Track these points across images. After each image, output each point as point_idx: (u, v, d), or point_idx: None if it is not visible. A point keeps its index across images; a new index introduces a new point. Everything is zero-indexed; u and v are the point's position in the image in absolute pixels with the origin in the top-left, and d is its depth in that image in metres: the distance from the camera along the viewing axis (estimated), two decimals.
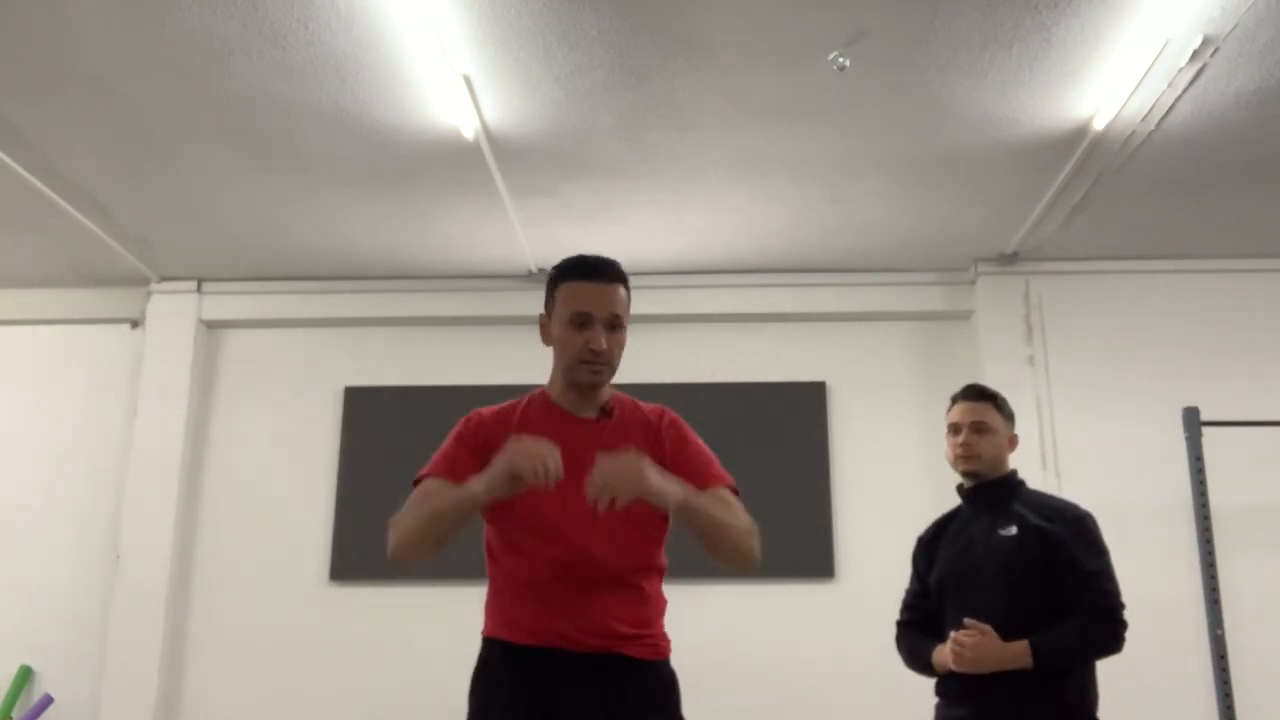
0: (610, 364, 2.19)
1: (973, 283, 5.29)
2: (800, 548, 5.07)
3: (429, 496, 2.11)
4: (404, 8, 3.28)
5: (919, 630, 2.96)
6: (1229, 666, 4.47)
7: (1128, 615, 2.79)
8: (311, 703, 4.99)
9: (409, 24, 3.36)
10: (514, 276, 5.39)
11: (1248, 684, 4.58)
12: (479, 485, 2.02)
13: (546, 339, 2.25)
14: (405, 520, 2.08)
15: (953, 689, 2.82)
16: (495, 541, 2.22)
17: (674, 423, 2.29)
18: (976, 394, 2.97)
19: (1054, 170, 4.32)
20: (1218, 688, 4.48)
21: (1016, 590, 2.74)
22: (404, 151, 4.17)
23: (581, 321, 2.16)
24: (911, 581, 3.06)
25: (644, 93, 3.77)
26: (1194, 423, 4.68)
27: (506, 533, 2.19)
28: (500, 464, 1.99)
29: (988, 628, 2.69)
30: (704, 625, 5.00)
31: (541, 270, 5.32)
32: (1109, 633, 2.76)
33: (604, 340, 2.16)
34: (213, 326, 5.50)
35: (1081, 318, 5.20)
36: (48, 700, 4.95)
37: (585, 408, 2.23)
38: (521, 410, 2.24)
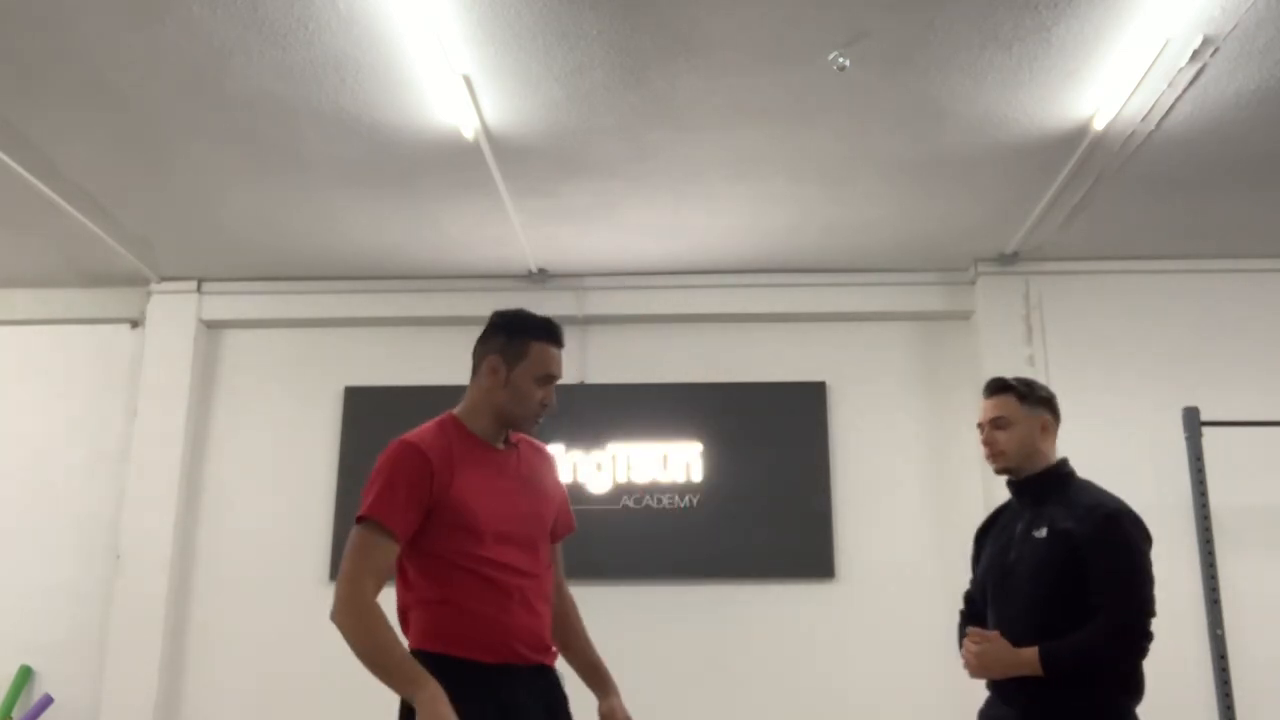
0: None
1: (973, 283, 5.29)
2: (800, 548, 5.07)
3: (386, 558, 2.31)
4: (404, 8, 3.28)
5: (972, 621, 2.91)
6: (1229, 666, 4.47)
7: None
8: (311, 703, 4.99)
9: (409, 24, 3.36)
10: (514, 276, 5.39)
11: (1248, 684, 4.58)
12: (413, 698, 2.17)
13: (496, 380, 2.47)
14: (369, 641, 2.21)
15: (997, 685, 2.76)
16: (438, 560, 2.37)
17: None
18: (993, 388, 2.90)
19: (1054, 170, 4.32)
20: (1218, 688, 4.48)
21: (1044, 596, 2.66)
22: (404, 151, 4.17)
23: (547, 381, 2.48)
24: (972, 570, 3.02)
25: (644, 93, 3.77)
26: (1194, 423, 4.68)
27: (457, 551, 2.37)
28: (420, 704, 2.15)
29: (994, 634, 2.68)
30: (704, 625, 5.00)
31: (542, 270, 5.33)
32: (1122, 641, 2.59)
33: (553, 398, 2.51)
34: (213, 326, 5.50)
35: (1081, 318, 5.20)
36: (48, 700, 4.95)
37: (499, 441, 2.52)
38: (452, 445, 2.42)
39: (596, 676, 2.62)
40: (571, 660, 2.64)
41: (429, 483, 2.35)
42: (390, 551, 2.31)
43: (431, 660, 2.30)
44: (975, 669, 2.70)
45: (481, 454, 2.46)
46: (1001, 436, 2.84)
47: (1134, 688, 2.64)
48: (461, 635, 2.33)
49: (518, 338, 2.50)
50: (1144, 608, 2.61)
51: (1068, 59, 3.57)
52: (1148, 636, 2.60)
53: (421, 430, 2.46)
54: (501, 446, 2.52)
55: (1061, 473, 2.85)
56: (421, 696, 2.15)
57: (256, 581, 5.17)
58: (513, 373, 2.47)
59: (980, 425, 2.88)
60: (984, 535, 2.98)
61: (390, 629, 2.25)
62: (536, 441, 2.65)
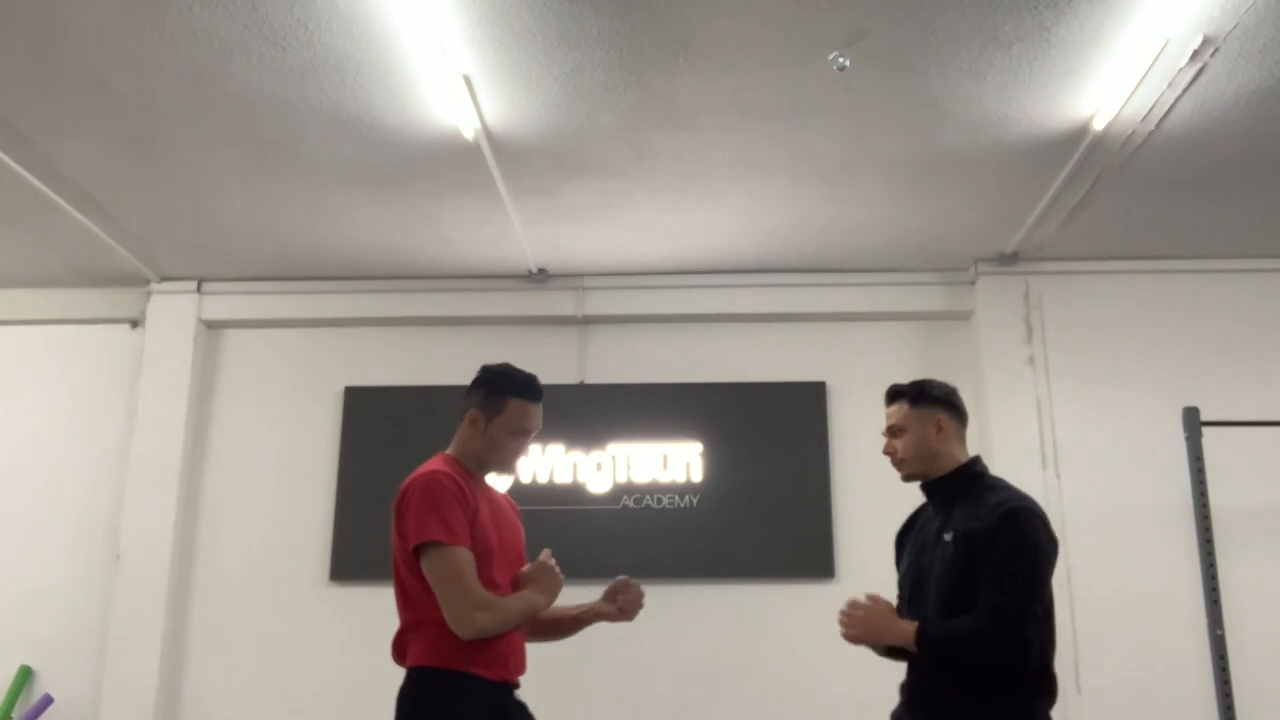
0: None
1: (973, 283, 5.29)
2: (800, 548, 5.07)
3: (472, 568, 2.52)
4: (404, 8, 3.28)
5: None
6: (1229, 666, 4.47)
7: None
8: (311, 702, 5.00)
9: (409, 24, 3.36)
10: (514, 276, 5.39)
11: (1248, 684, 4.58)
12: (537, 601, 2.63)
13: (475, 431, 2.69)
14: (507, 614, 2.54)
15: (911, 690, 2.71)
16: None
17: None
18: (887, 396, 2.84)
19: (1054, 170, 4.32)
20: (1218, 688, 4.48)
21: (951, 598, 2.58)
22: (404, 151, 4.17)
23: (522, 435, 2.70)
24: (897, 573, 2.98)
25: (644, 93, 3.77)
26: (1194, 423, 4.68)
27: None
28: (546, 592, 2.65)
29: (878, 597, 2.66)
30: (703, 626, 5.00)
31: (542, 270, 5.33)
32: (997, 634, 2.47)
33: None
34: (213, 326, 5.50)
35: (1081, 318, 5.20)
36: (48, 700, 4.95)
37: (484, 478, 2.76)
38: (465, 478, 2.64)
39: (573, 613, 2.87)
40: (562, 629, 2.89)
41: (465, 504, 2.55)
42: (469, 558, 2.50)
43: (437, 676, 2.45)
44: (852, 633, 2.66)
45: (483, 491, 2.69)
46: (898, 444, 2.78)
47: (1048, 690, 2.58)
48: (466, 653, 2.48)
49: (496, 394, 2.70)
50: (1026, 605, 2.50)
51: (1068, 59, 3.57)
52: (1027, 635, 2.48)
53: (433, 466, 2.64)
54: (486, 483, 2.77)
55: (970, 472, 2.74)
56: (534, 600, 2.60)
57: (256, 581, 5.17)
58: (490, 425, 2.68)
59: (883, 435, 2.84)
60: (904, 538, 2.91)
61: (504, 600, 2.55)
62: (499, 492, 2.89)
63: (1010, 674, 2.52)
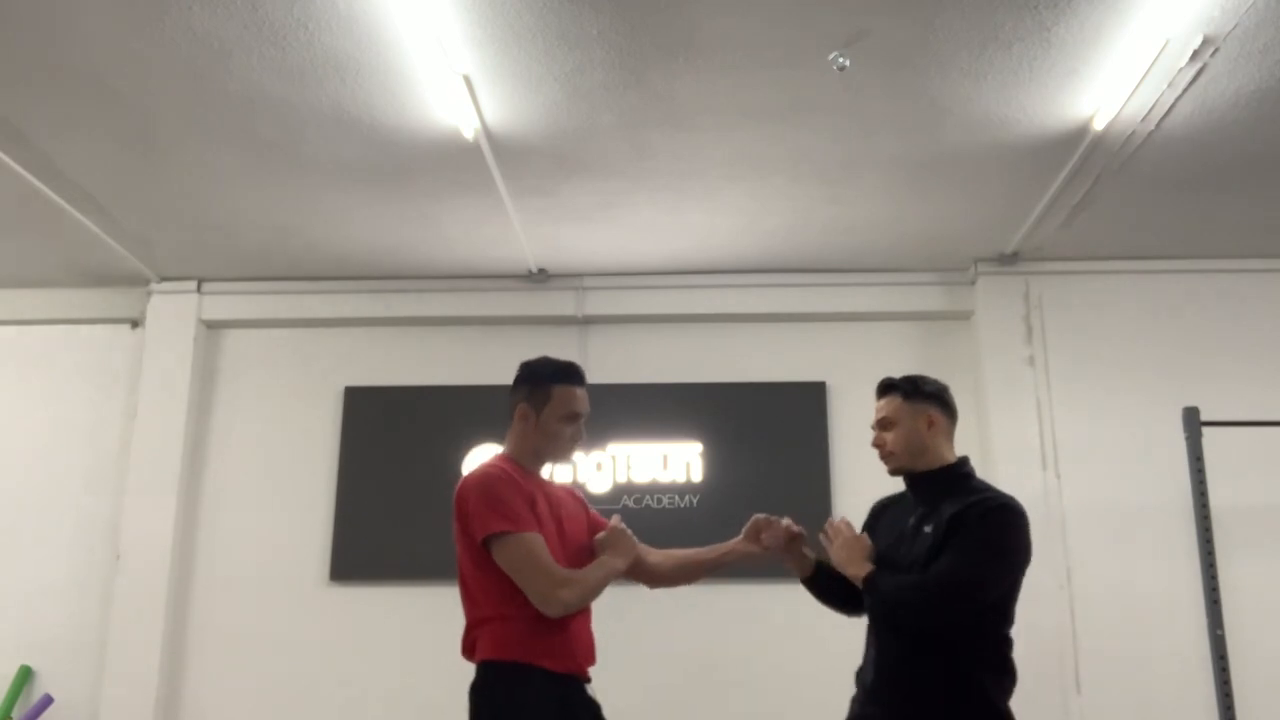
0: None
1: (973, 283, 5.29)
2: None
3: (546, 549, 2.58)
4: (404, 8, 3.28)
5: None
6: (1229, 666, 4.46)
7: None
8: (311, 703, 4.99)
9: (409, 24, 3.36)
10: (514, 276, 5.39)
11: (1248, 684, 4.58)
12: (614, 565, 2.72)
13: (528, 425, 2.75)
14: (588, 584, 2.63)
15: (866, 685, 2.75)
16: (506, 579, 2.58)
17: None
18: (880, 389, 2.88)
19: (1054, 170, 4.32)
20: (1218, 688, 4.48)
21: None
22: (404, 151, 4.17)
23: (573, 419, 2.75)
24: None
25: (644, 93, 3.77)
26: (1194, 423, 4.68)
27: None
28: (622, 555, 2.75)
29: (866, 538, 2.78)
30: (703, 625, 5.00)
31: (542, 270, 5.33)
32: (940, 596, 2.52)
33: (583, 433, 2.79)
34: (213, 326, 5.50)
35: (1081, 318, 5.19)
36: (48, 700, 4.95)
37: (541, 472, 2.83)
38: (523, 474, 2.71)
39: (713, 555, 3.07)
40: (704, 570, 3.07)
41: (524, 491, 2.62)
42: (539, 540, 2.57)
43: (503, 669, 2.52)
44: (833, 548, 2.77)
45: (539, 484, 2.75)
46: (888, 437, 2.81)
47: (1007, 684, 2.60)
48: (532, 645, 2.55)
49: (540, 385, 2.76)
50: (978, 578, 2.54)
51: (1068, 59, 3.57)
52: (939, 604, 2.52)
53: (489, 464, 2.73)
54: (546, 477, 2.84)
55: (959, 472, 2.77)
56: (610, 564, 2.70)
57: (256, 581, 5.17)
58: (541, 416, 2.73)
59: (872, 427, 2.87)
60: (877, 519, 2.96)
61: (582, 572, 2.63)
62: (559, 485, 2.96)
63: (934, 633, 2.55)
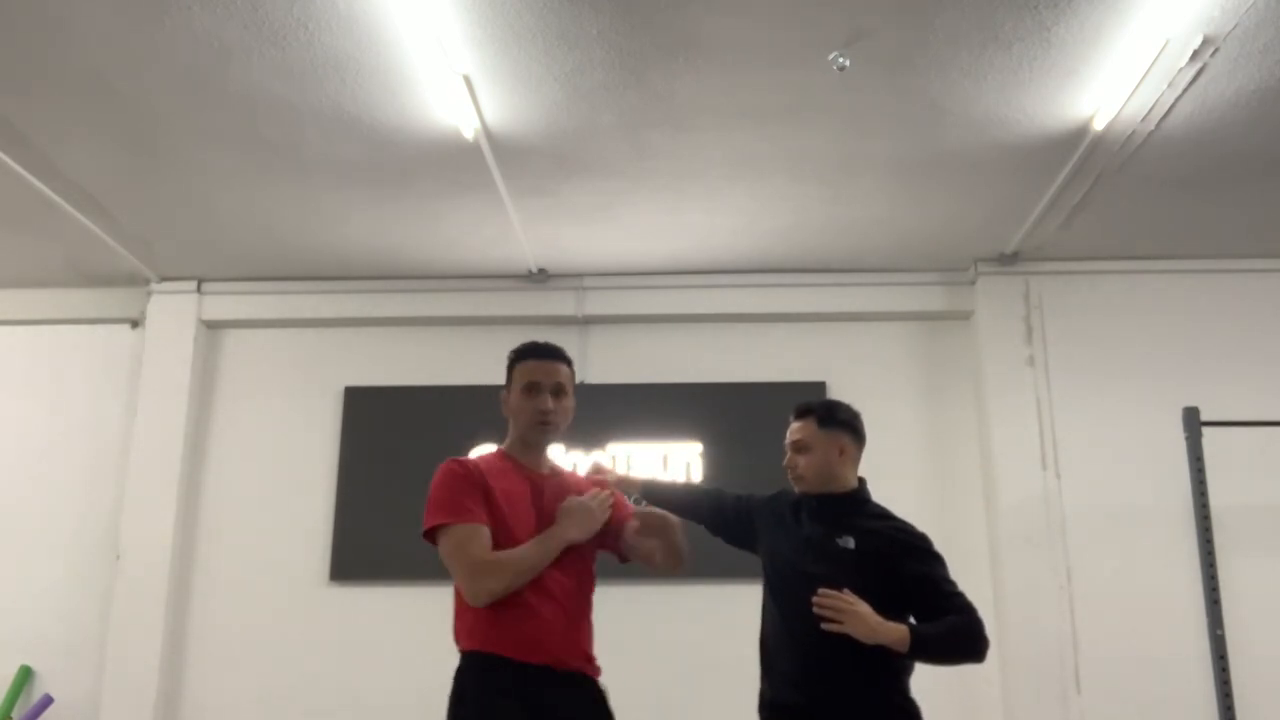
0: (556, 424, 2.71)
1: (973, 283, 5.29)
2: None
3: (476, 538, 2.53)
4: (404, 8, 3.28)
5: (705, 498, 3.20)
6: (1229, 666, 4.47)
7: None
8: (311, 703, 4.99)
9: (409, 24, 3.36)
10: (514, 276, 5.39)
11: (1248, 684, 4.58)
12: (564, 536, 2.59)
13: (507, 410, 2.75)
14: (521, 565, 2.52)
15: (778, 673, 2.81)
16: None
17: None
18: (796, 412, 2.95)
19: (1054, 170, 4.32)
20: (1218, 688, 4.48)
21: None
22: (404, 151, 4.17)
23: (533, 389, 2.69)
24: (738, 499, 3.11)
25: (644, 93, 3.77)
26: (1194, 423, 4.68)
27: None
28: (576, 526, 2.62)
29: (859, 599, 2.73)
30: (702, 625, 5.00)
31: (542, 270, 5.33)
32: (975, 627, 2.70)
33: (550, 403, 2.68)
34: (213, 326, 5.50)
35: (1081, 318, 5.20)
36: (48, 700, 4.95)
37: (539, 465, 2.75)
38: (490, 462, 2.68)
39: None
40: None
41: (471, 481, 2.58)
42: (470, 531, 2.52)
43: (471, 658, 2.52)
44: (842, 623, 2.67)
45: (517, 472, 2.69)
46: (801, 460, 2.90)
47: (906, 678, 2.79)
48: (499, 635, 2.51)
49: (509, 371, 2.78)
50: (966, 600, 2.73)
51: (1068, 59, 3.57)
52: (988, 642, 2.72)
53: (456, 458, 2.71)
54: (545, 472, 2.76)
55: (859, 498, 2.91)
56: (558, 534, 2.57)
57: (256, 581, 5.17)
58: (510, 396, 2.75)
59: (784, 448, 2.93)
60: (767, 512, 3.01)
61: (508, 554, 2.52)
62: (578, 477, 2.93)
63: (978, 657, 2.73)
